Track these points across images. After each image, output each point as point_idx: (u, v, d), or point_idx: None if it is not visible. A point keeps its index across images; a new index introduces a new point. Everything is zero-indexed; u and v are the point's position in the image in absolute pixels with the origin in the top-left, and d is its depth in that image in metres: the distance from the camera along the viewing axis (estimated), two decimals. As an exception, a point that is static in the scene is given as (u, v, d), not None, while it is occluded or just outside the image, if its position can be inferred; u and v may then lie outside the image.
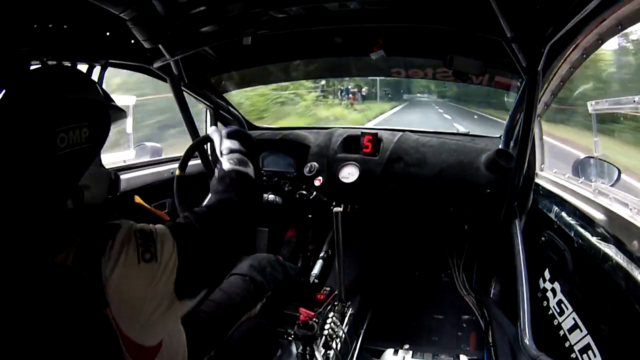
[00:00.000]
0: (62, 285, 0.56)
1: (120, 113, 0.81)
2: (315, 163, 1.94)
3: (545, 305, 1.28)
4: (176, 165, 1.58)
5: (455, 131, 2.23)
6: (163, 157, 2.00)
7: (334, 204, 1.86)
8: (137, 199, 1.31)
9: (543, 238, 1.34)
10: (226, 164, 0.88)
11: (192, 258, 0.69)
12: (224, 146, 0.94)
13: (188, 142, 1.80)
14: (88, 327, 0.57)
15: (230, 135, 0.98)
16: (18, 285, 0.54)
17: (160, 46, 1.35)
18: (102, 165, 0.76)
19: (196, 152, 1.72)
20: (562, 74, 1.34)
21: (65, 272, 0.57)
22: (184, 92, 1.80)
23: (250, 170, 0.89)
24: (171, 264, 0.65)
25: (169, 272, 0.64)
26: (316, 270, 1.91)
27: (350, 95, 14.43)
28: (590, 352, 0.96)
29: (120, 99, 1.95)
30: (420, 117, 13.14)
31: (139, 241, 0.63)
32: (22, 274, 0.55)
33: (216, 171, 0.90)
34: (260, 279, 1.32)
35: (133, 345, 0.62)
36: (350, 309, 1.63)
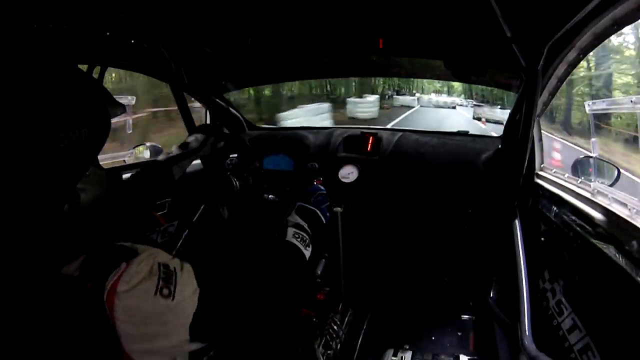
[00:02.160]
0: (66, 296, 0.56)
1: (118, 108, 0.80)
2: (315, 163, 1.94)
3: (545, 305, 1.28)
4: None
5: (455, 131, 2.22)
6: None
7: (334, 204, 1.86)
8: (155, 214, 1.31)
9: (543, 238, 1.34)
10: (291, 237, 0.87)
11: (213, 310, 0.68)
12: (295, 217, 0.95)
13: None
14: (89, 336, 0.57)
15: (302, 212, 0.99)
16: (19, 291, 0.54)
17: (160, 46, 1.35)
18: (99, 166, 0.75)
19: None
20: (559, 74, 1.34)
21: (70, 283, 0.57)
22: (184, 92, 1.80)
23: (307, 253, 0.88)
24: (189, 307, 0.64)
25: (186, 315, 0.64)
26: (319, 270, 1.91)
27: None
28: (589, 352, 0.96)
29: (121, 99, 1.94)
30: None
31: (162, 275, 0.63)
32: (24, 280, 0.55)
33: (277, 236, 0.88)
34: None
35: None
36: (350, 309, 1.63)
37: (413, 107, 15.39)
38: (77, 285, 0.57)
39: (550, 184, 1.44)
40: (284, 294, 0.80)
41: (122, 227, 0.75)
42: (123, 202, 1.03)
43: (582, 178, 1.28)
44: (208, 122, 2.22)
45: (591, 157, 1.31)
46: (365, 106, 12.27)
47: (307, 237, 0.90)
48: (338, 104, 12.66)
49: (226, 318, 0.71)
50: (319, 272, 1.87)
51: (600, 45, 1.14)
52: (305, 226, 0.94)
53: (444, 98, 16.31)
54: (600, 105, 1.10)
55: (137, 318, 0.60)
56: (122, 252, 0.63)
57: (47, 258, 0.58)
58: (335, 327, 1.43)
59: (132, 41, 1.33)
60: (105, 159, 1.60)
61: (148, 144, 2.00)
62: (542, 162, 1.62)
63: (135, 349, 0.60)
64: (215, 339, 0.71)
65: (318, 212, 1.01)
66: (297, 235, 0.88)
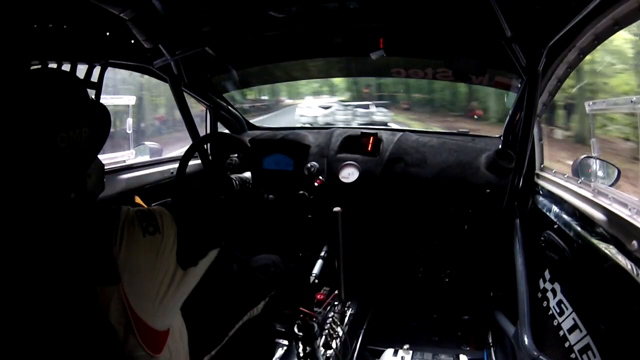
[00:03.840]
0: (74, 264, 0.59)
1: None
2: (315, 163, 1.94)
3: (545, 305, 1.28)
4: (176, 165, 1.59)
5: (455, 131, 2.23)
6: (163, 157, 2.00)
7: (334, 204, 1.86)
8: (137, 200, 1.31)
9: (543, 238, 1.34)
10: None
11: (190, 226, 0.76)
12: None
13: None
14: (90, 330, 0.57)
15: None
16: (22, 285, 0.54)
17: (160, 46, 1.35)
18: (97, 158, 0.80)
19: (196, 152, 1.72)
20: (560, 74, 1.34)
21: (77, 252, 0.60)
22: (184, 92, 1.80)
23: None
24: (172, 235, 0.70)
25: (171, 242, 0.70)
26: (316, 270, 1.91)
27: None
28: (589, 352, 0.96)
29: (121, 99, 1.95)
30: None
31: (140, 218, 0.68)
32: (27, 274, 0.55)
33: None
34: (263, 278, 1.32)
35: (145, 328, 0.65)
36: (350, 309, 1.63)
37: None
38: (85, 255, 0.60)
39: (550, 184, 1.44)
40: None
41: None
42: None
43: (583, 178, 1.28)
44: (208, 122, 2.22)
45: (591, 157, 1.31)
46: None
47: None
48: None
49: (201, 229, 0.81)
50: (317, 273, 1.88)
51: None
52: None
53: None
54: (600, 106, 1.10)
55: (136, 262, 0.64)
56: (111, 213, 0.67)
57: (54, 248, 0.58)
58: (335, 327, 1.43)
59: (132, 41, 1.33)
60: (105, 159, 1.60)
61: (148, 144, 2.00)
62: (542, 162, 1.62)
63: (142, 304, 0.64)
64: (201, 254, 0.78)
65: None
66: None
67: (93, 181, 0.75)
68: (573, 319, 1.08)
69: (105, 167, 0.82)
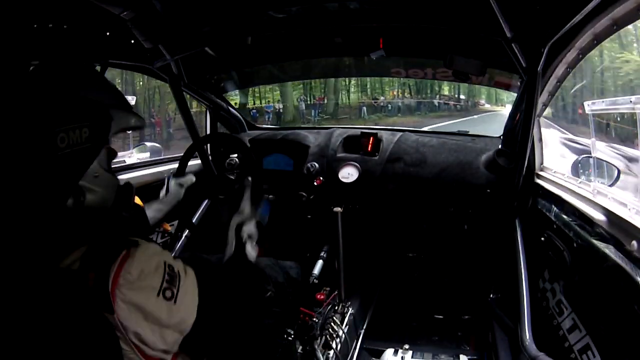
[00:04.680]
0: (66, 289, 0.56)
1: (135, 119, 0.76)
2: (315, 163, 1.94)
3: (544, 305, 1.28)
4: (176, 165, 1.58)
5: (455, 131, 2.23)
6: (163, 157, 2.00)
7: (334, 204, 1.86)
8: (137, 200, 1.31)
9: (543, 238, 1.34)
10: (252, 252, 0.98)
11: (210, 327, 0.70)
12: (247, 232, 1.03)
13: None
14: (89, 332, 0.57)
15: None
16: (20, 287, 0.54)
17: (160, 46, 1.35)
18: (111, 171, 0.74)
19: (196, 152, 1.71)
20: (559, 74, 1.34)
21: (69, 276, 0.58)
22: (184, 92, 1.80)
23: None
24: (189, 318, 0.66)
25: (183, 321, 0.66)
26: (316, 270, 1.91)
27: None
28: (589, 352, 0.96)
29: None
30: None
31: (166, 277, 0.63)
32: (25, 276, 0.55)
33: (231, 246, 0.98)
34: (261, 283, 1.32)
35: (144, 353, 0.63)
36: (350, 309, 1.63)
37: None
38: (77, 278, 0.57)
39: (550, 184, 1.44)
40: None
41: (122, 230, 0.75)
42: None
43: (582, 178, 1.28)
44: (208, 122, 2.22)
45: (591, 157, 1.31)
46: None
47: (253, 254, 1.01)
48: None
49: (220, 334, 0.74)
50: (317, 273, 1.88)
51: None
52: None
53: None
54: (599, 106, 1.10)
55: (136, 313, 0.60)
56: (123, 241, 0.63)
57: (48, 251, 0.58)
58: (335, 327, 1.43)
59: (132, 41, 1.33)
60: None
61: (148, 144, 2.00)
62: (542, 162, 1.62)
63: (131, 339, 0.61)
64: (204, 354, 0.74)
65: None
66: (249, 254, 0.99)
67: (102, 195, 0.69)
68: (572, 319, 1.08)
69: (116, 175, 0.79)
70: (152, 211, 1.25)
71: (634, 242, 0.84)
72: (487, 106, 15.44)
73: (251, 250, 0.98)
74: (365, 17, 1.36)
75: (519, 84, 1.62)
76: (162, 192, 1.35)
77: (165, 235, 1.79)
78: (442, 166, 1.77)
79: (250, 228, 1.03)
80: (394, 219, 1.92)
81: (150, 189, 1.75)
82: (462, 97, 15.84)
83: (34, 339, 0.53)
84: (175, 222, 1.84)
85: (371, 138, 1.94)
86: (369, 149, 1.92)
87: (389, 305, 2.00)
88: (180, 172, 1.46)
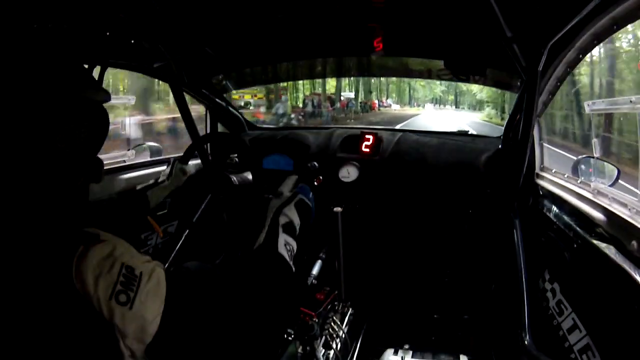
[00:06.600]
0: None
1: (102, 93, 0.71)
2: (315, 163, 1.94)
3: (544, 305, 1.28)
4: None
5: (455, 131, 2.23)
6: (163, 157, 2.00)
7: (333, 204, 1.86)
8: (151, 221, 1.31)
9: (543, 238, 1.34)
10: (282, 247, 0.80)
11: (179, 332, 0.59)
12: (286, 218, 0.88)
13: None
14: (85, 331, 0.56)
15: (300, 206, 0.94)
16: (20, 287, 0.54)
17: (160, 46, 1.35)
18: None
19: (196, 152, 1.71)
20: (559, 74, 1.34)
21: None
22: (184, 92, 1.80)
23: (293, 268, 0.80)
24: (149, 326, 0.57)
25: (143, 330, 0.57)
26: (315, 270, 1.91)
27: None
28: (589, 352, 0.96)
29: (121, 99, 1.95)
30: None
31: (121, 278, 0.56)
32: (25, 276, 0.55)
33: (263, 234, 0.81)
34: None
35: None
36: (350, 309, 1.63)
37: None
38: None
39: (550, 184, 1.44)
40: (267, 316, 0.74)
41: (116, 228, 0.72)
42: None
43: (582, 178, 1.28)
44: (209, 122, 2.22)
45: (592, 157, 1.31)
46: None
47: (294, 247, 0.84)
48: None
49: (189, 344, 0.60)
50: (316, 274, 1.88)
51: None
52: (297, 227, 0.90)
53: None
54: (600, 106, 1.10)
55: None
56: (81, 236, 0.57)
57: (48, 251, 0.57)
58: (335, 327, 1.43)
59: (132, 41, 1.33)
60: (105, 159, 1.60)
61: (148, 144, 2.00)
62: (542, 162, 1.62)
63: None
64: None
65: (312, 211, 0.99)
66: (287, 246, 0.81)
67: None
68: (572, 319, 1.08)
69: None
70: (152, 193, 1.29)
71: (634, 242, 0.84)
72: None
73: (291, 241, 0.84)
74: (365, 17, 1.36)
75: (519, 84, 1.62)
76: (164, 176, 1.38)
77: (165, 236, 1.79)
78: (442, 166, 1.77)
79: (292, 214, 0.91)
80: (394, 219, 1.93)
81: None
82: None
83: (34, 339, 0.53)
84: (175, 222, 1.84)
85: (371, 138, 1.94)
86: (369, 149, 1.93)
87: (389, 305, 2.00)
88: (184, 161, 1.48)
